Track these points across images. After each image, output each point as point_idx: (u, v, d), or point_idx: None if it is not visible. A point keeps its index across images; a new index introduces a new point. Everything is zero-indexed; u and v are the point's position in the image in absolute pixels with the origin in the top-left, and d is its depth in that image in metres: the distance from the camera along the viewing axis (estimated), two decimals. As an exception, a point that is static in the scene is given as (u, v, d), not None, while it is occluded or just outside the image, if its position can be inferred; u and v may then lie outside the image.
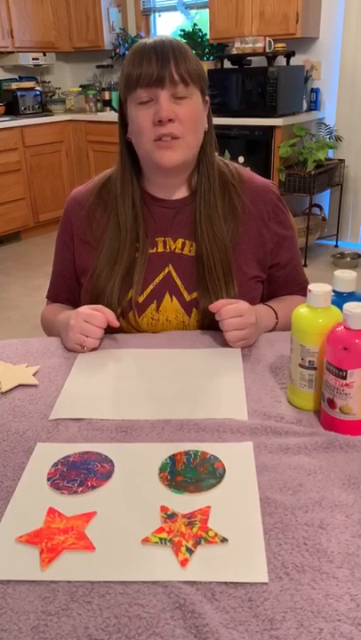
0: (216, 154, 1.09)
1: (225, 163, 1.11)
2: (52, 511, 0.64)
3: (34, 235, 4.62)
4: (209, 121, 1.06)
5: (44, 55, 4.71)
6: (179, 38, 1.21)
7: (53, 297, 1.22)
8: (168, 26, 4.69)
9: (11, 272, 3.89)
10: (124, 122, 1.04)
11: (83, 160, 4.69)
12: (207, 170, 1.06)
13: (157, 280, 1.07)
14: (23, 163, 4.39)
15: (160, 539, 0.59)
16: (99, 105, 4.78)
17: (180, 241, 1.07)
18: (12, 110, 4.53)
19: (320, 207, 4.08)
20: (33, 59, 4.64)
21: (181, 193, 1.08)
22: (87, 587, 0.55)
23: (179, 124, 0.97)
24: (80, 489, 0.67)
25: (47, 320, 1.17)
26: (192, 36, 4.22)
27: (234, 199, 1.07)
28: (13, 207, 4.37)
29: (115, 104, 4.71)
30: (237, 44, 3.76)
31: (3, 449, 0.75)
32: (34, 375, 0.93)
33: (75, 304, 1.15)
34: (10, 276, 3.80)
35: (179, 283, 1.06)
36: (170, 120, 0.96)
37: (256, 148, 3.75)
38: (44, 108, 4.78)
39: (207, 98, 1.04)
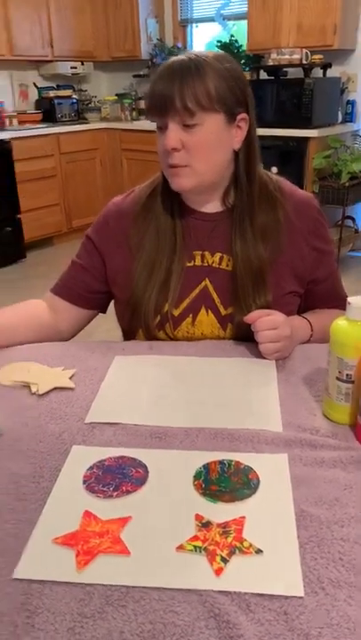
0: (261, 166, 1.07)
1: (268, 175, 1.10)
2: (87, 514, 0.64)
3: (66, 240, 4.68)
4: (249, 137, 1.01)
5: (82, 64, 4.80)
6: (215, 50, 1.18)
7: (64, 291, 1.15)
8: (205, 37, 4.73)
9: (43, 276, 3.95)
10: None
11: (116, 168, 4.75)
12: (245, 186, 1.04)
13: (194, 294, 1.07)
14: (58, 169, 4.46)
15: (195, 547, 0.59)
16: (134, 113, 4.84)
17: (217, 255, 1.07)
18: (50, 118, 4.62)
19: (353, 219, 4.04)
20: (71, 67, 4.73)
21: (215, 207, 1.08)
22: (122, 591, 0.55)
23: (185, 152, 0.95)
24: (115, 493, 0.68)
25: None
26: (229, 47, 4.24)
27: (277, 213, 1.06)
28: (48, 213, 4.45)
29: (150, 113, 4.76)
30: (274, 56, 3.77)
31: (39, 450, 0.76)
32: (70, 378, 0.95)
33: (84, 302, 1.14)
34: (42, 280, 3.84)
35: (215, 297, 1.06)
36: (175, 149, 0.95)
37: (290, 158, 3.74)
38: (80, 116, 4.86)
39: (243, 115, 0.98)
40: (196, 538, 0.60)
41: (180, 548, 0.59)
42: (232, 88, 0.95)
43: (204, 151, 0.96)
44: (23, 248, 4.24)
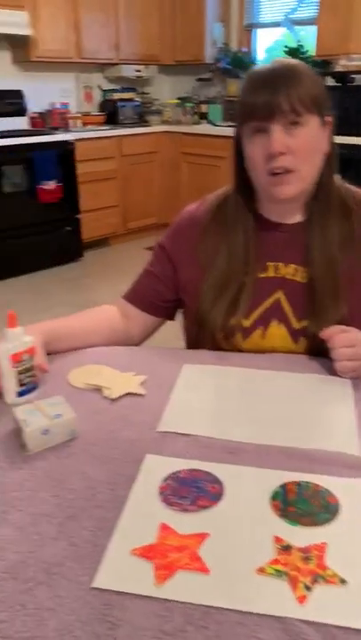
0: (337, 175, 1.06)
1: (344, 185, 1.08)
2: (165, 527, 0.64)
3: (122, 241, 4.74)
4: (330, 142, 1.02)
5: (146, 67, 4.85)
6: (285, 56, 1.19)
7: (136, 298, 1.16)
8: (270, 41, 4.69)
9: (98, 276, 4.01)
10: (239, 147, 1.03)
11: (175, 171, 4.77)
12: (325, 194, 1.03)
13: (266, 305, 1.05)
14: (119, 171, 4.52)
15: (276, 570, 0.58)
16: (195, 117, 4.84)
17: (291, 266, 1.05)
18: (112, 120, 4.69)
19: None
20: (136, 70, 4.79)
21: (296, 218, 1.06)
22: (203, 610, 0.54)
23: (292, 156, 0.94)
24: (191, 507, 0.67)
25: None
26: (295, 53, 4.19)
27: (351, 224, 1.04)
28: (105, 214, 4.51)
29: (211, 117, 4.76)
30: (343, 62, 3.70)
31: (114, 457, 0.77)
32: (140, 384, 0.95)
33: (155, 310, 1.15)
34: (96, 280, 3.92)
35: (288, 309, 1.04)
36: (282, 153, 0.94)
37: (355, 167, 3.65)
38: (141, 119, 4.91)
39: (328, 118, 1.00)
40: (276, 561, 0.59)
41: (261, 570, 0.58)
42: (322, 92, 0.97)
43: (308, 153, 0.96)
44: (81, 247, 4.31)
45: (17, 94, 4.22)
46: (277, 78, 0.92)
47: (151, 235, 4.86)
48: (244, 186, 1.05)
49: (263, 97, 0.92)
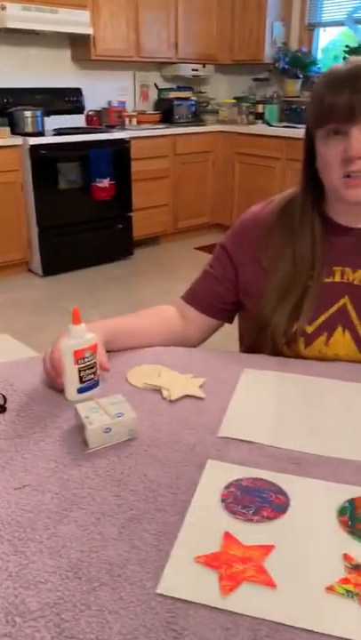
0: None
1: None
2: (228, 536, 0.62)
3: (171, 240, 4.74)
4: None
5: (204, 67, 4.84)
6: (343, 54, 1.14)
7: (195, 300, 1.14)
8: (327, 41, 4.60)
9: (146, 274, 4.03)
10: (309, 148, 1.00)
11: (228, 171, 4.74)
12: None
13: (331, 311, 1.02)
14: (171, 170, 4.53)
15: (346, 591, 0.56)
16: (251, 117, 4.80)
17: (359, 272, 1.02)
18: (167, 119, 4.70)
19: None
20: (193, 69, 4.79)
21: None
22: (270, 627, 0.52)
23: None
24: (255, 518, 0.65)
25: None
26: (357, 52, 4.09)
27: None
28: (156, 212, 4.53)
29: (267, 117, 4.70)
30: None
31: (175, 460, 0.76)
32: (199, 387, 0.93)
33: (215, 313, 1.14)
34: (145, 279, 3.94)
35: (354, 316, 1.01)
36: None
37: None
38: (196, 118, 4.90)
39: None
40: (346, 580, 0.57)
41: (331, 589, 0.56)
42: None
43: None
44: (131, 246, 4.34)
45: (76, 92, 4.29)
46: (358, 79, 0.89)
47: (202, 235, 4.85)
48: (313, 187, 1.02)
49: (343, 98, 0.89)
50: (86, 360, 0.89)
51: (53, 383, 0.92)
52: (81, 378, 0.89)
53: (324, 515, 0.66)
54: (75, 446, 0.79)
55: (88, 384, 0.91)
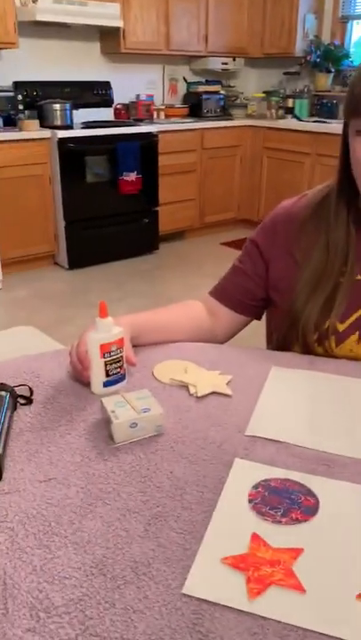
0: None
1: None
2: (256, 537, 0.61)
3: (197, 235, 4.72)
4: None
5: (234, 60, 4.80)
6: None
7: (224, 296, 1.12)
8: (358, 35, 4.51)
9: (171, 269, 4.02)
10: (345, 141, 0.98)
11: (256, 166, 4.70)
12: None
13: None
14: (199, 164, 4.51)
15: (378, 599, 0.54)
16: (280, 112, 4.74)
17: None
18: (195, 112, 4.67)
19: None
20: (222, 63, 4.75)
21: None
22: (299, 633, 0.51)
23: None
24: (284, 519, 0.64)
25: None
26: (391, 45, 4.00)
27: None
28: (182, 207, 4.51)
29: (297, 112, 4.64)
30: None
31: (201, 457, 0.74)
32: (227, 384, 0.92)
33: (244, 309, 1.12)
34: (170, 273, 3.93)
35: None
36: None
37: None
38: (225, 112, 4.86)
39: None
40: (378, 589, 0.55)
41: (362, 597, 0.54)
42: None
43: None
44: (157, 240, 4.34)
45: (105, 85, 4.29)
46: None
47: (228, 230, 4.82)
48: (350, 182, 0.99)
49: None
50: (113, 354, 0.88)
51: (79, 376, 0.91)
52: (107, 371, 0.89)
53: (355, 519, 0.64)
54: (100, 440, 0.78)
55: (114, 378, 0.90)
